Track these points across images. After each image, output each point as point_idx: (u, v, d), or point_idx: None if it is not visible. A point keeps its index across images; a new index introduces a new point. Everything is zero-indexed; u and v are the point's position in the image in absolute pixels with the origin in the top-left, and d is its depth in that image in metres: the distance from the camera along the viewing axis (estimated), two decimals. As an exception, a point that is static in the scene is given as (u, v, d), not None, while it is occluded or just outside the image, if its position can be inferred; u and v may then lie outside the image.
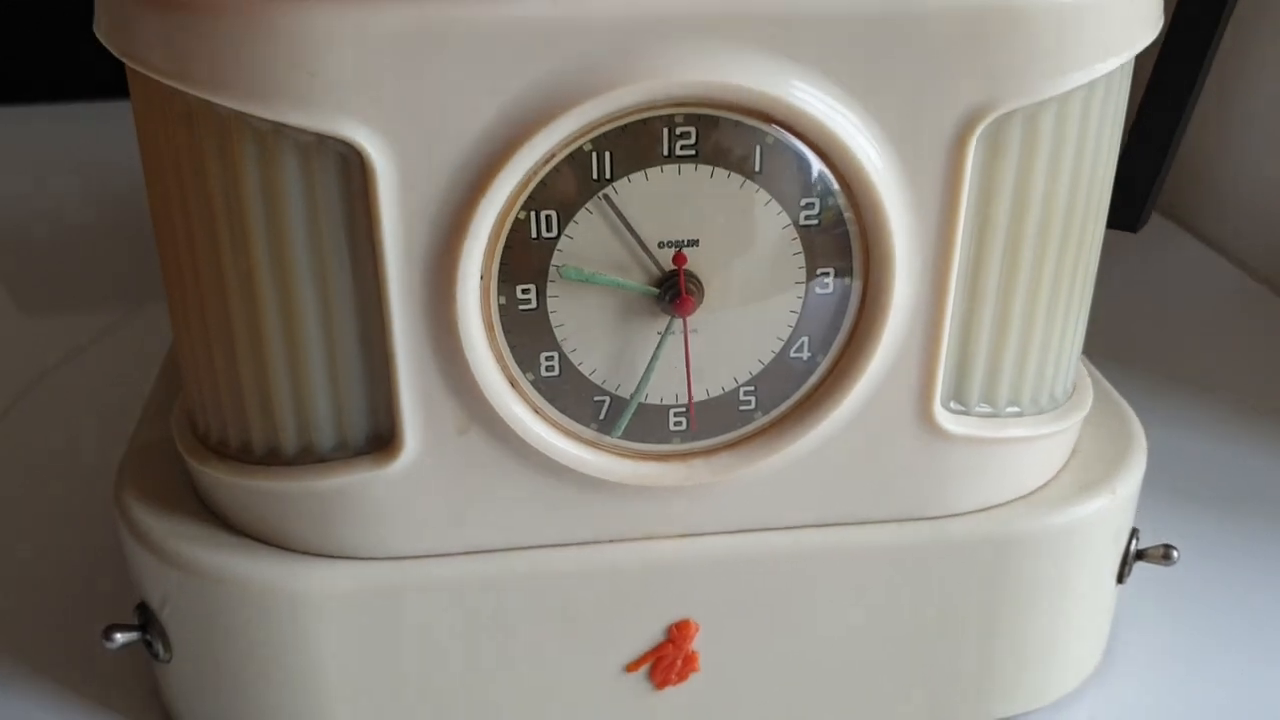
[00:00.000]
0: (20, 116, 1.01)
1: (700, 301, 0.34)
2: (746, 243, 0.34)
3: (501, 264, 0.33)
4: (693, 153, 0.32)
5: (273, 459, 0.36)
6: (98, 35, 0.34)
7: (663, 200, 0.33)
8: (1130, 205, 0.42)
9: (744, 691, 0.40)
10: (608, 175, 0.32)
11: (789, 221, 0.33)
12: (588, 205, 0.32)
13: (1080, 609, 0.41)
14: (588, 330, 0.34)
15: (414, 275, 0.33)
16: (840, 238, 0.34)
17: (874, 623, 0.39)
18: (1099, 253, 0.38)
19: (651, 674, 0.39)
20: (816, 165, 0.33)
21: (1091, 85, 0.33)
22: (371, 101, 0.31)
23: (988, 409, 0.37)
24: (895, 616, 0.39)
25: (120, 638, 0.39)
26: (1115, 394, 0.44)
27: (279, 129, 0.31)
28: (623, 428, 0.36)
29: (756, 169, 0.33)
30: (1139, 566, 0.43)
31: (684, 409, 0.36)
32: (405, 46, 0.30)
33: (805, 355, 0.36)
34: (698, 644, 0.39)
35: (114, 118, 0.49)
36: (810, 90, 0.32)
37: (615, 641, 0.38)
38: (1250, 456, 0.56)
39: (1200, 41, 0.40)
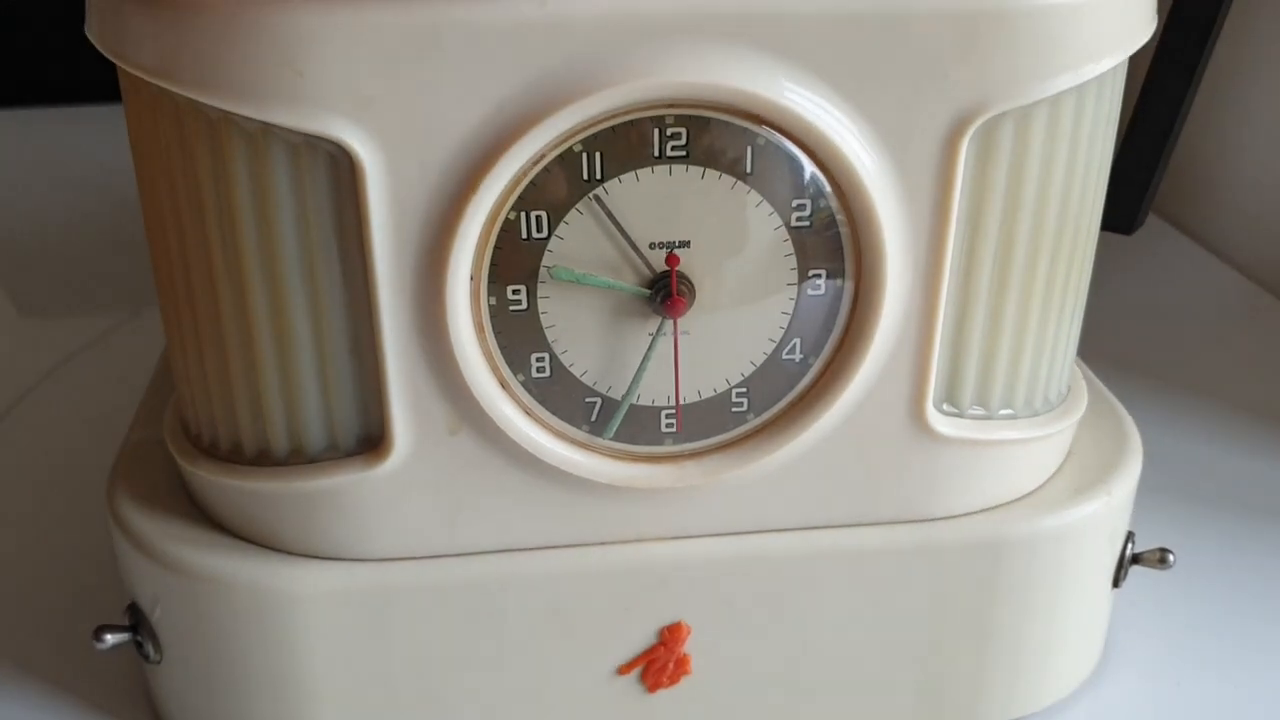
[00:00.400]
0: (18, 120, 1.01)
1: (692, 303, 0.34)
2: (738, 244, 0.34)
3: (491, 264, 0.33)
4: (684, 154, 0.32)
5: (263, 460, 0.36)
6: (89, 36, 0.34)
7: (654, 201, 0.33)
8: (1125, 207, 0.42)
9: (736, 695, 0.40)
10: (598, 176, 0.32)
11: (780, 223, 0.33)
12: (578, 206, 0.32)
13: (1076, 613, 0.41)
14: (579, 331, 0.34)
15: (404, 276, 0.33)
16: (832, 239, 0.34)
17: (866, 626, 0.39)
18: (1093, 255, 0.38)
19: (643, 677, 0.39)
20: (808, 166, 0.33)
21: (1084, 87, 0.33)
22: (360, 102, 0.30)
23: (981, 411, 0.37)
24: (888, 620, 0.39)
25: (111, 638, 0.39)
26: (1110, 396, 0.44)
27: (268, 129, 0.31)
28: (614, 429, 0.36)
29: (748, 170, 0.33)
30: (1135, 570, 0.42)
31: (675, 411, 0.36)
32: (394, 46, 0.30)
33: (797, 357, 0.35)
34: (690, 647, 0.39)
35: (111, 122, 0.49)
36: (801, 91, 0.32)
37: (607, 644, 0.38)
38: (1247, 460, 0.56)
39: (1195, 43, 0.39)
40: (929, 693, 0.40)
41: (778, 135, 0.32)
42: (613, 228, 0.33)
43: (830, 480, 0.37)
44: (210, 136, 0.32)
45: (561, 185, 0.32)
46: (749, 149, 0.32)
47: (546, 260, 0.33)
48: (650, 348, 0.35)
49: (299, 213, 0.32)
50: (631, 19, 0.30)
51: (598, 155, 0.32)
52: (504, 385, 0.35)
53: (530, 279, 0.33)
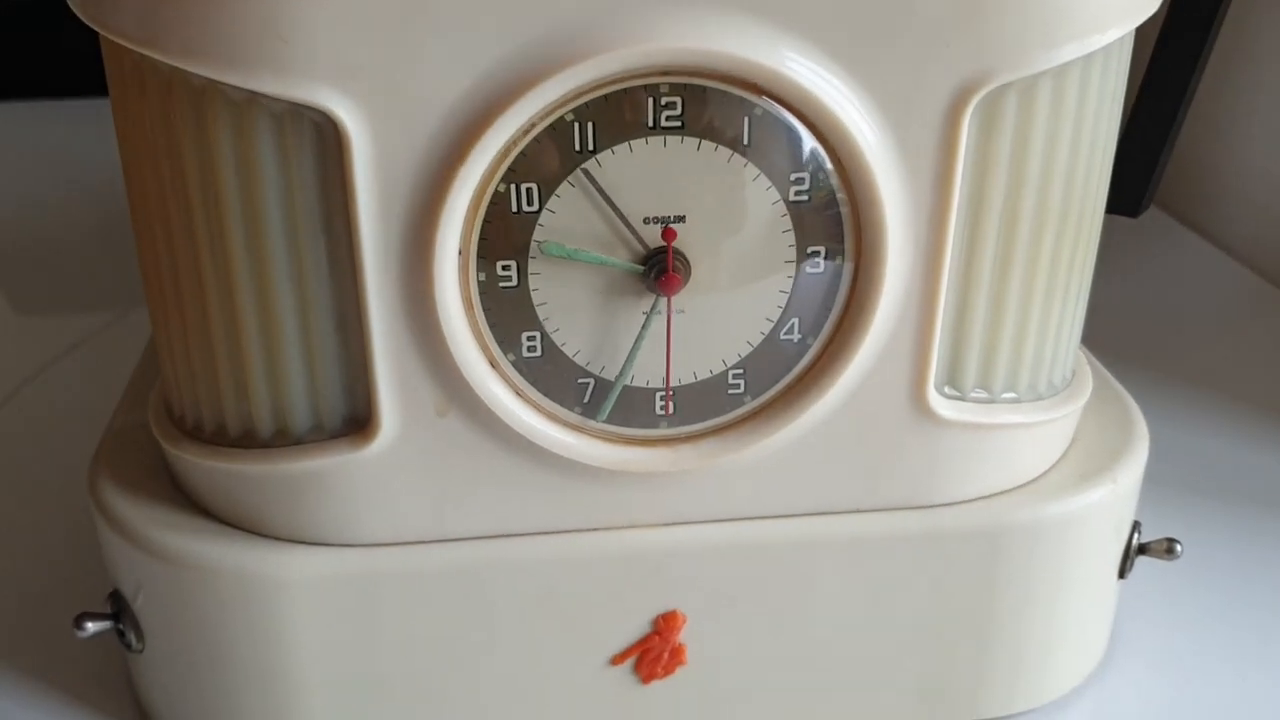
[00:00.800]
0: (9, 114, 1.00)
1: (687, 280, 0.33)
2: (735, 220, 0.33)
3: (481, 239, 0.32)
4: (678, 124, 0.31)
5: (247, 441, 0.35)
6: (71, 6, 0.33)
7: (648, 174, 0.32)
8: (1131, 190, 0.41)
9: (732, 686, 0.39)
10: (590, 147, 0.31)
11: (779, 197, 0.32)
12: (569, 178, 0.31)
13: (1081, 604, 0.40)
14: (571, 309, 0.33)
15: (390, 249, 0.32)
16: (832, 216, 0.33)
17: (866, 615, 0.38)
18: (1098, 236, 0.37)
19: (637, 667, 0.38)
20: (807, 139, 0.32)
21: (1089, 58, 0.32)
22: (346, 69, 0.30)
23: (984, 394, 0.36)
24: (887, 609, 0.38)
25: (92, 626, 0.38)
26: (1116, 383, 0.43)
27: (253, 98, 0.30)
28: (607, 411, 0.35)
29: (745, 142, 0.32)
30: (1141, 561, 0.42)
31: (670, 393, 0.35)
32: (380, 12, 0.29)
33: (796, 337, 0.35)
34: (685, 636, 0.38)
35: (98, 116, 0.48)
36: (801, 60, 0.31)
37: (600, 633, 0.37)
38: (1253, 452, 0.55)
39: (1202, 20, 0.39)
40: (929, 685, 0.40)
41: (776, 106, 0.31)
42: (605, 201, 0.32)
43: (829, 465, 0.36)
44: (194, 106, 0.31)
45: (553, 156, 0.31)
46: (746, 120, 0.31)
47: (537, 235, 0.32)
48: (644, 327, 0.34)
49: (284, 184, 0.31)
50: (625, -17, 0.30)
51: (590, 125, 0.31)
52: (494, 365, 0.34)
53: (521, 254, 0.32)
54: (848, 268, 0.34)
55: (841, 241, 0.33)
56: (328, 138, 0.31)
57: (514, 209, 0.32)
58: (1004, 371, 0.36)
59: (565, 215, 0.32)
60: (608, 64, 0.30)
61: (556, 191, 0.32)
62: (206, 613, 0.36)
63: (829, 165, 0.32)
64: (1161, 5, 0.35)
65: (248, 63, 0.30)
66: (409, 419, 0.34)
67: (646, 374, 0.35)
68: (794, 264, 0.33)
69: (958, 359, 0.36)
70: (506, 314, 0.33)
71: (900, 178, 0.32)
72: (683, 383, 0.35)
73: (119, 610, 0.38)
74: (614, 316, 0.34)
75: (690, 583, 0.37)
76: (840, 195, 0.33)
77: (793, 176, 0.32)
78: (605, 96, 0.31)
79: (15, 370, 0.63)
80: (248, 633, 0.36)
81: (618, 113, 0.31)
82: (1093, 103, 0.33)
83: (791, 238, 0.33)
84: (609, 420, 0.35)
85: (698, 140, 0.31)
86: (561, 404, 0.35)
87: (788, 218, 0.33)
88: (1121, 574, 0.41)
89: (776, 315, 0.34)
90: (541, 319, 0.33)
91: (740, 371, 0.35)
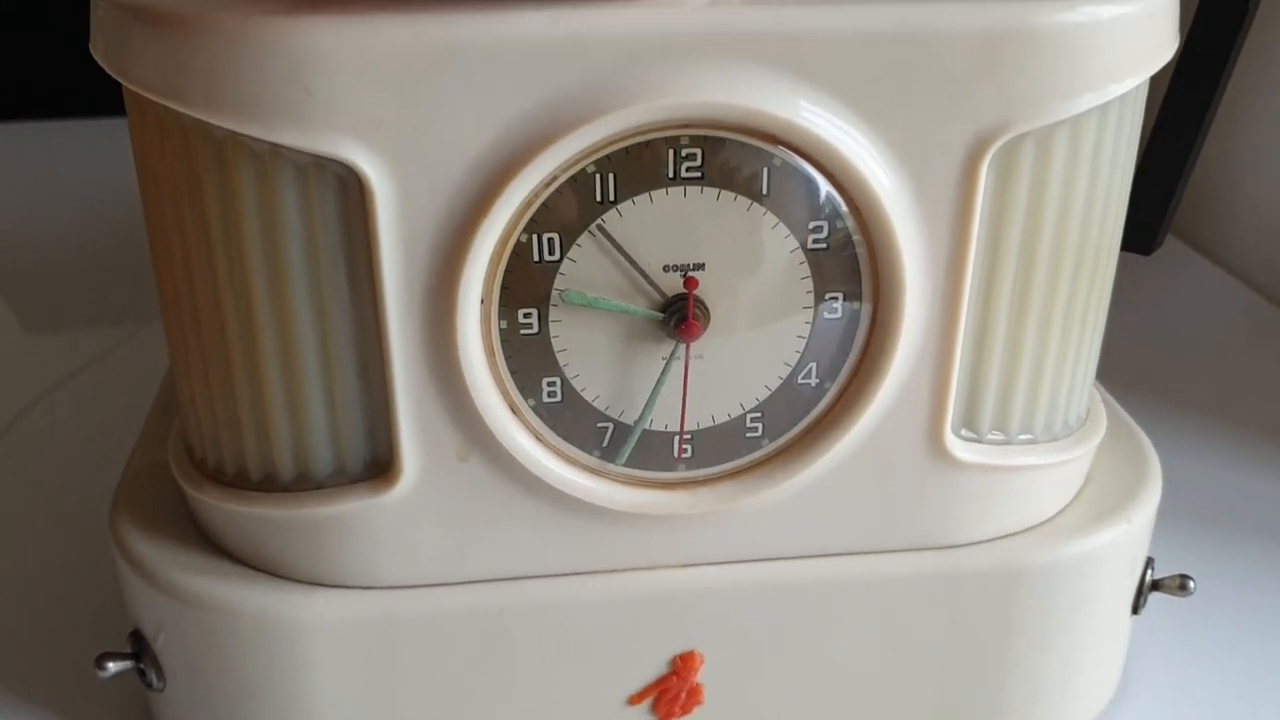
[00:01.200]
0: (19, 133, 1.01)
1: (706, 326, 0.33)
2: (753, 266, 0.33)
3: (503, 288, 0.32)
4: (698, 175, 0.32)
5: (269, 485, 0.35)
6: (94, 55, 0.33)
7: (667, 223, 0.32)
8: (1144, 228, 0.41)
9: (750, 725, 0.39)
10: (611, 198, 0.31)
11: (797, 245, 0.33)
12: (591, 228, 0.32)
13: (1094, 641, 0.40)
14: (591, 355, 0.33)
15: (413, 299, 0.32)
16: (849, 261, 0.33)
17: (882, 655, 0.38)
18: (1113, 276, 0.37)
19: (655, 707, 0.38)
20: (825, 188, 0.32)
21: (1105, 107, 0.33)
22: (369, 122, 0.30)
23: (1000, 436, 0.37)
24: (904, 648, 0.38)
25: (113, 666, 0.38)
26: (1129, 420, 0.43)
27: (276, 150, 0.30)
28: (626, 455, 0.35)
29: (764, 192, 0.32)
30: (1155, 597, 0.42)
31: (688, 436, 0.35)
32: (404, 66, 0.29)
33: (813, 381, 0.35)
34: (702, 676, 0.38)
35: (114, 135, 0.48)
36: (819, 112, 0.31)
37: (618, 673, 0.38)
38: (1267, 484, 0.55)
39: (1215, 63, 0.39)
40: (946, 722, 0.40)
41: (794, 156, 0.32)
42: (626, 251, 0.32)
43: (846, 507, 0.36)
44: (217, 157, 0.31)
45: (574, 207, 0.31)
46: (765, 170, 0.32)
47: (558, 283, 0.32)
48: (664, 372, 0.34)
49: (307, 235, 0.32)
50: (646, 38, 0.30)
51: (611, 176, 0.31)
52: (515, 410, 0.34)
53: (542, 302, 0.33)
54: (865, 312, 0.34)
55: (859, 285, 0.34)
56: (351, 189, 0.31)
57: (536, 258, 0.32)
58: (1020, 413, 0.36)
59: (586, 264, 0.32)
60: (630, 118, 0.30)
61: (578, 241, 0.32)
62: (228, 654, 0.37)
63: (846, 212, 0.33)
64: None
65: (270, 115, 0.30)
66: (430, 464, 0.34)
67: (665, 418, 0.35)
68: (811, 309, 0.34)
69: (974, 402, 0.36)
70: (527, 360, 0.33)
71: (918, 225, 0.33)
72: (701, 426, 0.35)
73: (140, 650, 0.38)
74: (633, 362, 0.34)
75: (708, 623, 0.37)
76: (858, 240, 0.33)
77: (811, 224, 0.33)
78: (627, 149, 0.31)
79: (27, 388, 0.63)
80: (269, 674, 0.36)
81: (639, 164, 0.31)
82: (1109, 149, 0.34)
83: (809, 283, 0.33)
84: (628, 464, 0.35)
85: (717, 190, 0.32)
86: (581, 448, 0.35)
87: (805, 264, 0.33)
88: (1135, 610, 0.41)
89: (794, 359, 0.34)
90: (562, 365, 0.34)
91: (758, 415, 0.35)
